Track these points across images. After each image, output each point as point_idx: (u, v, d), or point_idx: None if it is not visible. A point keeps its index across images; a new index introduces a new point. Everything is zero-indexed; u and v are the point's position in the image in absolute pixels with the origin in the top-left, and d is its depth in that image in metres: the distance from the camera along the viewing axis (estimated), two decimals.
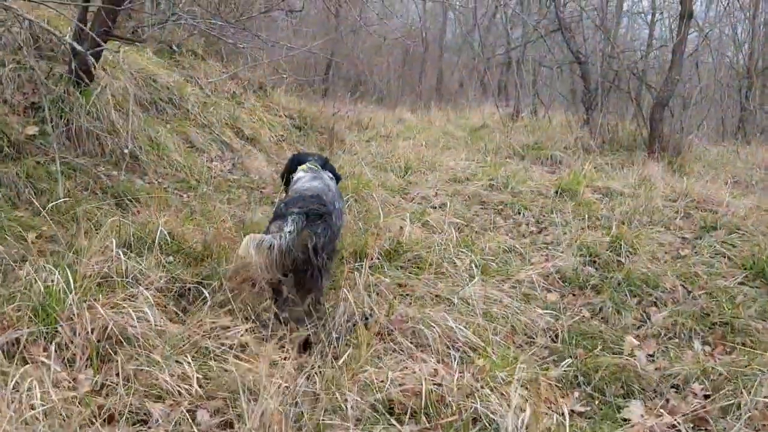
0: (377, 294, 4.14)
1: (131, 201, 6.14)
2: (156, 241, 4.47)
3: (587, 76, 12.77)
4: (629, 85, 11.93)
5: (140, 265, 4.00)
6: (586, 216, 6.97)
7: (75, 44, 5.62)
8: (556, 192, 8.24)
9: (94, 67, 7.23)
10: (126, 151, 7.04)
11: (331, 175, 5.19)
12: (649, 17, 19.06)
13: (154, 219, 4.93)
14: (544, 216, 7.32)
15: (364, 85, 23.90)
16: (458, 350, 3.69)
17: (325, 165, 5.37)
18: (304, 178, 4.85)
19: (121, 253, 3.86)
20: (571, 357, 3.91)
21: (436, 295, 4.31)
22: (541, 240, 6.37)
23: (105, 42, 7.43)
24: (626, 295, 4.86)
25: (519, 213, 7.50)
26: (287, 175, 5.28)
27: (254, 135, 10.15)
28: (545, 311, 4.47)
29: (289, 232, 3.65)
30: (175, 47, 10.92)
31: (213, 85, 10.89)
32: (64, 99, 6.93)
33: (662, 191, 8.00)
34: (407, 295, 4.30)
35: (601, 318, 4.61)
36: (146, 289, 3.68)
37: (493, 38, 27.32)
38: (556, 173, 9.86)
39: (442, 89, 24.02)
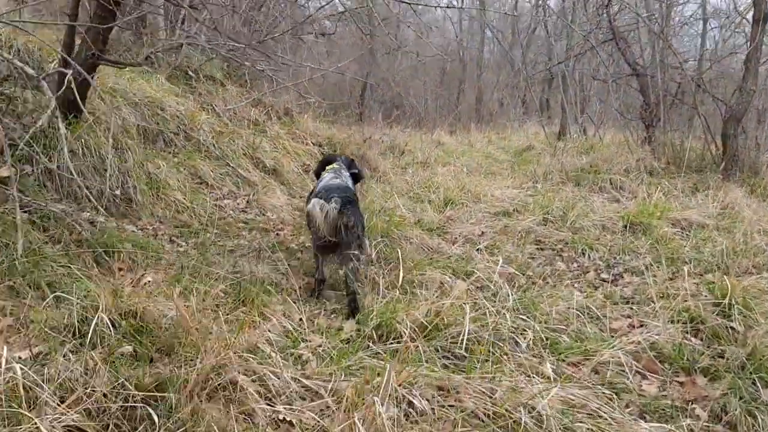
0: (410, 406, 2.82)
1: (111, 255, 4.98)
2: (107, 324, 3.24)
3: (646, 89, 11.30)
4: (694, 98, 10.44)
5: (67, 369, 2.76)
6: (670, 258, 5.58)
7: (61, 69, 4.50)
8: (625, 226, 6.85)
9: (83, 97, 6.16)
10: (117, 192, 5.92)
11: (350, 173, 5.93)
12: (701, 25, 17.48)
13: (115, 287, 3.71)
14: (615, 258, 5.93)
15: (401, 108, 22.74)
16: None
17: (351, 165, 6.12)
18: (326, 177, 5.62)
19: (18, 367, 2.57)
20: None
21: (493, 413, 2.92)
22: (619, 294, 4.99)
23: (95, 67, 6.38)
24: (756, 385, 3.46)
25: (583, 254, 6.13)
26: (320, 172, 6.02)
27: (276, 166, 8.97)
28: (652, 425, 3.06)
29: (334, 207, 4.55)
30: (191, 72, 9.86)
31: (232, 113, 9.78)
32: (48, 134, 5.84)
33: (758, 225, 6.53)
34: (451, 406, 2.95)
35: (727, 425, 3.22)
36: (63, 414, 2.44)
37: (534, 54, 25.93)
38: (620, 202, 8.43)
39: (481, 109, 22.64)
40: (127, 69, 8.24)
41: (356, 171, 6.12)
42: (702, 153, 10.43)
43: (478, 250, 6.08)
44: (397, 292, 4.49)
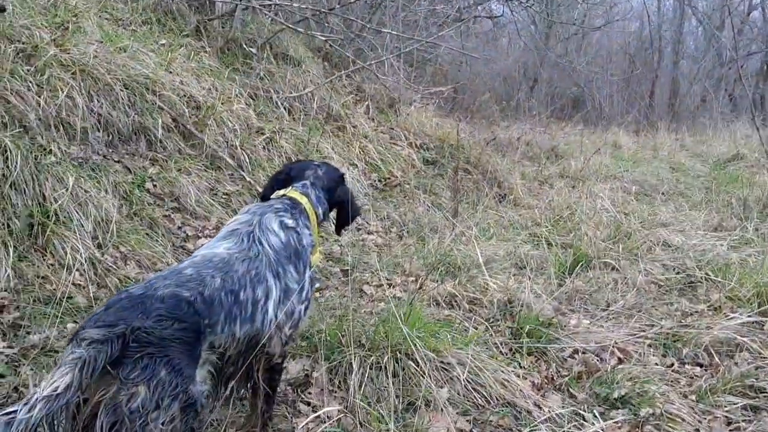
0: None
1: None
2: None
3: None
4: None
5: None
6: None
7: None
8: None
9: None
10: None
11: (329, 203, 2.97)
12: None
13: None
14: None
15: (579, 103, 18.81)
16: None
17: (333, 189, 3.00)
18: (230, 225, 2.57)
19: None
20: None
21: None
22: None
23: None
24: None
25: None
26: (268, 194, 2.92)
27: None
28: None
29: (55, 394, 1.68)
30: (250, 47, 7.16)
31: (296, 101, 6.97)
32: None
33: None
34: None
35: None
36: None
37: (747, 40, 20.52)
38: None
39: (676, 105, 17.98)
40: (123, 34, 5.70)
41: (341, 200, 3.04)
42: None
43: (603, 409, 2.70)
44: None
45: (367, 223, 5.86)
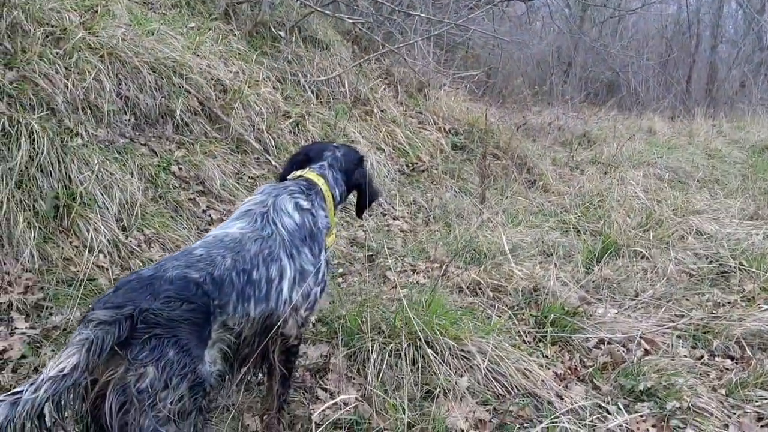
0: None
1: None
2: None
3: None
4: None
5: None
6: None
7: None
8: None
9: None
10: None
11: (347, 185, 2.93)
12: None
13: None
14: None
15: (615, 88, 18.43)
16: None
17: (351, 174, 2.95)
18: (245, 205, 2.54)
19: None
20: None
21: None
22: None
23: None
24: None
25: None
26: (286, 175, 2.90)
27: None
28: None
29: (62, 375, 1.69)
30: (279, 31, 7.11)
31: (324, 85, 6.91)
32: None
33: None
34: None
35: None
36: None
37: None
38: None
39: (714, 90, 17.47)
40: (152, 18, 5.70)
41: (359, 183, 3.01)
42: None
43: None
44: None
45: (393, 208, 5.80)
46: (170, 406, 1.80)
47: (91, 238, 3.55)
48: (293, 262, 2.37)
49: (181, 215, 4.29)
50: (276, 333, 2.31)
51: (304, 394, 2.72)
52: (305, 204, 2.58)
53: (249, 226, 2.37)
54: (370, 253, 4.52)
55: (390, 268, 4.35)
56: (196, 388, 1.87)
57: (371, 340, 2.87)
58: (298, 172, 2.83)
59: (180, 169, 4.62)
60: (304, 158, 2.96)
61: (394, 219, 5.63)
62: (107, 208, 3.76)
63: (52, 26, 4.59)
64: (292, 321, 2.38)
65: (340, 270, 4.29)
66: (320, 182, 2.74)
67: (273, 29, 7.12)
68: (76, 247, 3.54)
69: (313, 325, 3.16)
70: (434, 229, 5.36)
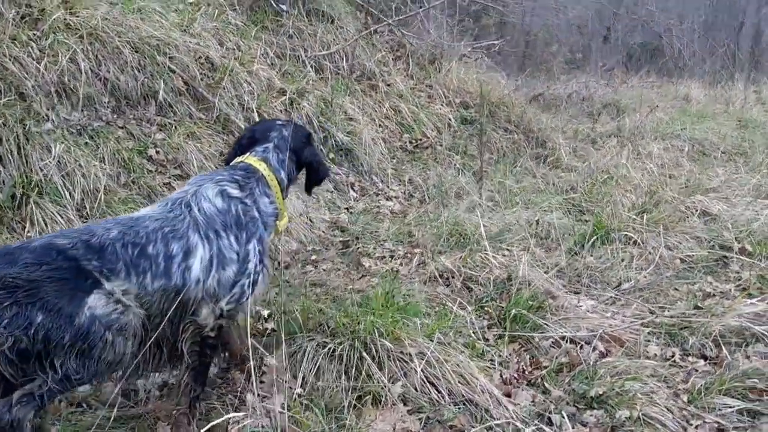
0: None
1: None
2: None
3: None
4: None
5: None
6: None
7: None
8: None
9: None
10: None
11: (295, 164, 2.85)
12: None
13: None
14: None
15: (656, 53, 17.61)
16: None
17: (300, 153, 2.87)
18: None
19: None
20: None
21: None
22: None
23: None
24: None
25: None
26: (232, 158, 2.85)
27: (350, 142, 5.75)
28: None
29: None
30: (282, 6, 6.89)
31: (327, 59, 6.68)
32: None
33: None
34: None
35: None
36: None
37: None
38: None
39: (758, 54, 16.49)
40: None
41: (309, 161, 2.93)
42: None
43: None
44: None
45: (388, 187, 5.60)
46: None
47: (48, 227, 3.47)
48: (208, 244, 2.30)
49: (153, 200, 4.17)
50: (187, 317, 2.27)
51: (233, 399, 2.58)
52: (234, 192, 2.49)
53: (158, 209, 2.37)
54: (347, 238, 4.35)
55: (368, 254, 4.18)
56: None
57: (309, 340, 2.71)
58: (239, 158, 2.73)
59: (157, 152, 4.50)
60: (249, 140, 2.85)
61: (387, 200, 5.43)
62: (67, 196, 3.67)
63: (30, 7, 4.49)
64: (207, 309, 2.31)
65: (314, 257, 4.12)
66: (261, 167, 2.64)
67: (274, 3, 6.91)
68: (32, 237, 3.46)
69: (258, 320, 3.02)
70: (425, 210, 5.14)
